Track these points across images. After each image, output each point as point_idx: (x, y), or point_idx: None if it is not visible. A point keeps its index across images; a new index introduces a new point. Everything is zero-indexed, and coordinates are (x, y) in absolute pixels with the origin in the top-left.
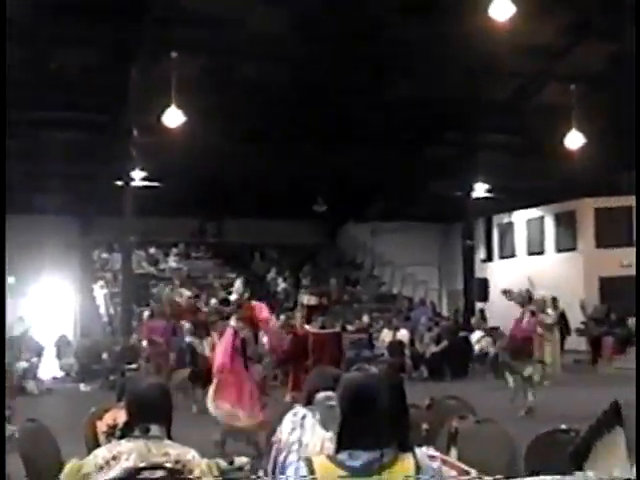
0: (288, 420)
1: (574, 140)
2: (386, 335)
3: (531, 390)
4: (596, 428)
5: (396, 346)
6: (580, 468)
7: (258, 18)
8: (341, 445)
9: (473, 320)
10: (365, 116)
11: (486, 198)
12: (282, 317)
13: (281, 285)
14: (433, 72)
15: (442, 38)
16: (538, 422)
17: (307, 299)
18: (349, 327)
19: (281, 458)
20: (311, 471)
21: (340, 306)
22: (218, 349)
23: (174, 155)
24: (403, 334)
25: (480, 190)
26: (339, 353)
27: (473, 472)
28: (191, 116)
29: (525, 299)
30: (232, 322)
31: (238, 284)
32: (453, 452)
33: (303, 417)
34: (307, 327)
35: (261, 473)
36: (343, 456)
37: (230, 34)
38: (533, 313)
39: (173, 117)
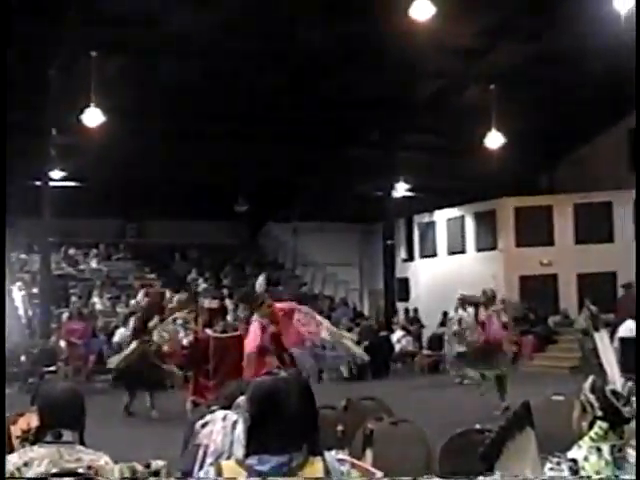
0: (219, 425)
1: (494, 140)
2: None
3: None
4: (507, 429)
5: None
6: (491, 469)
7: (177, 17)
8: (250, 449)
9: (396, 319)
10: (286, 116)
11: (407, 198)
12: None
13: (202, 286)
14: (354, 72)
15: (363, 38)
16: (459, 421)
17: (208, 302)
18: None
19: (208, 461)
20: (219, 476)
21: None
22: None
23: (94, 155)
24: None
25: (401, 190)
26: (240, 357)
27: (379, 474)
28: (111, 116)
29: (490, 299)
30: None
31: (261, 280)
32: (368, 453)
33: (234, 423)
34: (208, 331)
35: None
36: (252, 461)
37: (149, 33)
38: (497, 313)
39: (92, 117)
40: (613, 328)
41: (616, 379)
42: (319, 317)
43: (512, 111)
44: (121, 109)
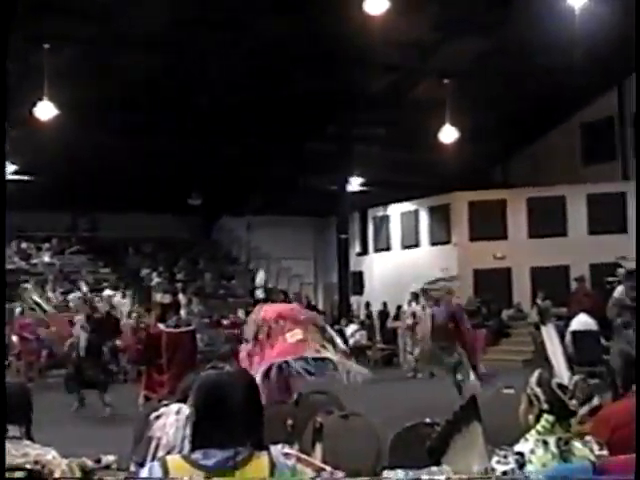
0: (172, 418)
1: (448, 134)
2: None
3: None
4: (454, 423)
5: None
6: (438, 463)
7: (131, 10)
8: (195, 444)
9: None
10: (240, 111)
11: (361, 192)
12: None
13: (155, 280)
14: (309, 66)
15: (318, 33)
16: (411, 414)
17: (161, 297)
18: (224, 322)
19: (160, 454)
20: (165, 471)
21: (215, 301)
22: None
23: (46, 148)
24: None
25: (355, 184)
26: (193, 352)
27: (328, 469)
28: (63, 109)
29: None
30: None
31: (261, 275)
32: (318, 447)
33: (188, 416)
34: (160, 326)
35: (133, 468)
36: (197, 455)
37: (103, 25)
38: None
39: (45, 110)
40: (566, 322)
41: (562, 373)
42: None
43: (466, 105)
44: (74, 103)
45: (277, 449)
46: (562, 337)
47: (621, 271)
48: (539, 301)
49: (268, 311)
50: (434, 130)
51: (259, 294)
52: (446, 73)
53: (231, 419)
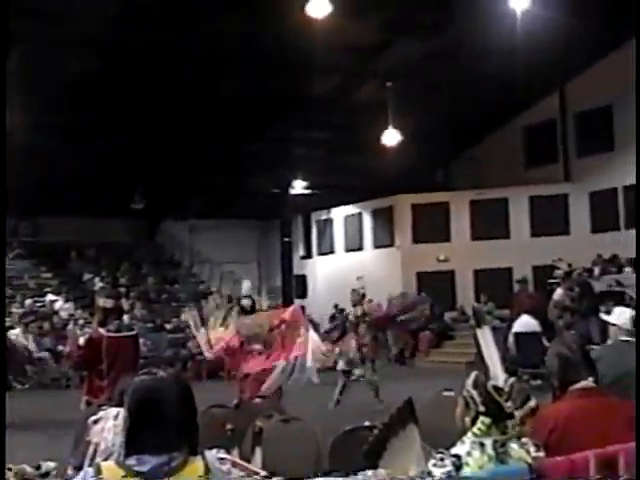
0: (110, 423)
1: (391, 137)
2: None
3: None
4: (390, 426)
5: None
6: (375, 466)
7: (68, 9)
8: (130, 450)
9: None
10: (184, 113)
11: (304, 195)
12: None
13: (98, 284)
14: (251, 69)
15: (260, 35)
16: (349, 418)
17: (103, 301)
18: (167, 326)
19: (98, 459)
20: (99, 477)
21: (158, 305)
22: None
23: None
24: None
25: (298, 187)
26: (135, 357)
27: (263, 473)
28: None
29: (360, 299)
30: None
31: (247, 284)
32: (258, 452)
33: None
34: (101, 330)
35: (70, 471)
36: (131, 461)
37: (40, 24)
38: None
39: None
40: (509, 323)
41: (498, 375)
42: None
43: (409, 108)
44: (13, 104)
45: (212, 454)
46: (505, 339)
47: (559, 273)
48: (475, 303)
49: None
50: (377, 133)
51: (246, 303)
52: (389, 76)
53: (165, 424)
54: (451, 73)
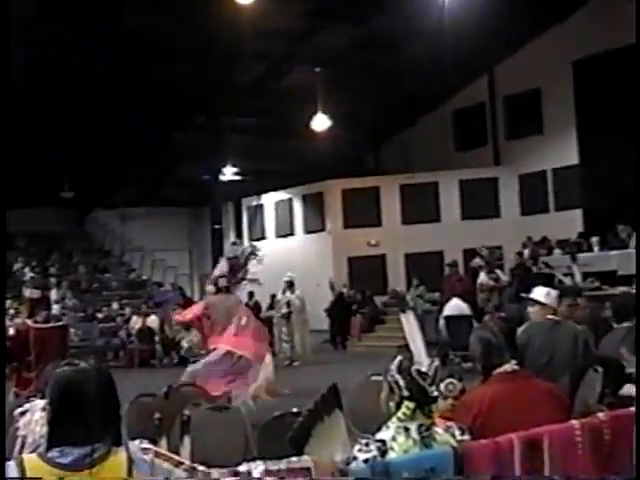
0: (37, 415)
1: (320, 122)
2: (136, 322)
3: None
4: (315, 412)
5: (146, 332)
6: (301, 452)
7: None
8: (52, 442)
9: None
10: (111, 101)
11: (235, 181)
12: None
13: (28, 274)
14: (179, 56)
15: (187, 21)
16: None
17: (29, 292)
18: (99, 315)
19: (26, 452)
20: (22, 470)
21: (89, 294)
22: None
23: None
24: (153, 320)
25: (229, 173)
26: (63, 348)
27: (187, 463)
28: None
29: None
30: None
31: (223, 264)
32: (186, 440)
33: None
34: (28, 322)
35: None
36: (54, 453)
37: None
38: None
39: None
40: (440, 307)
41: (422, 359)
42: None
43: (338, 93)
44: None
45: (135, 444)
46: (436, 322)
47: (477, 261)
48: (397, 289)
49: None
50: (306, 118)
51: (222, 283)
52: (318, 62)
53: (87, 416)
54: (380, 58)
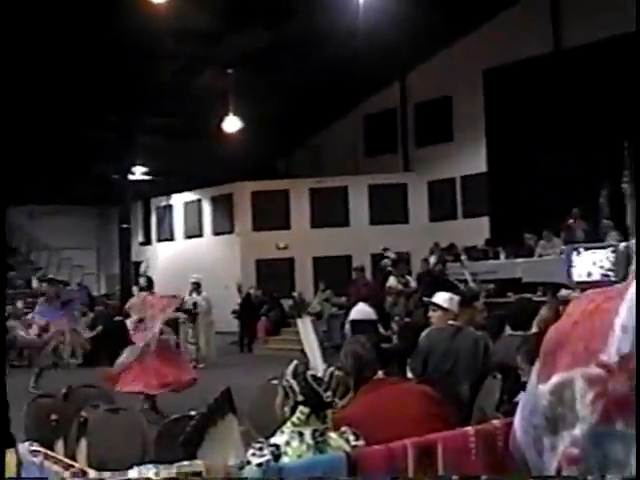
0: None
1: (231, 124)
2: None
3: None
4: (208, 416)
5: None
6: (194, 456)
7: None
8: None
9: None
10: (21, 98)
11: (144, 181)
12: None
13: None
14: (92, 54)
15: (100, 20)
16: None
17: None
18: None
19: None
20: None
21: None
22: None
23: None
24: None
25: (138, 173)
26: None
27: (77, 465)
28: None
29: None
30: None
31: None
32: (83, 442)
33: None
34: None
35: None
36: None
37: None
38: None
39: None
40: (346, 311)
41: (318, 364)
42: None
43: (250, 95)
44: None
45: (25, 446)
46: (342, 326)
47: (386, 262)
48: (295, 294)
49: None
50: (218, 120)
51: (143, 282)
52: (230, 63)
53: None
54: (293, 61)
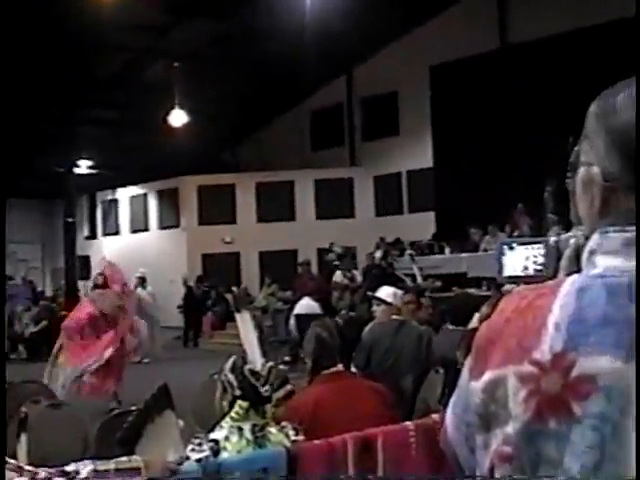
0: None
1: (177, 118)
2: None
3: None
4: (145, 412)
5: None
6: (131, 452)
7: None
8: None
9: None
10: None
11: (90, 175)
12: None
13: None
14: (37, 47)
15: (45, 12)
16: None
17: None
18: None
19: None
20: None
21: None
22: None
23: None
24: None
25: (83, 166)
26: None
27: (13, 461)
28: None
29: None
30: None
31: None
32: (23, 438)
33: None
34: None
35: None
36: None
37: None
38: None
39: None
40: (291, 305)
41: (256, 359)
42: None
43: (196, 89)
44: None
45: None
46: (287, 321)
47: (332, 256)
48: (235, 289)
49: None
50: (163, 113)
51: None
52: (177, 56)
53: None
54: (240, 55)
